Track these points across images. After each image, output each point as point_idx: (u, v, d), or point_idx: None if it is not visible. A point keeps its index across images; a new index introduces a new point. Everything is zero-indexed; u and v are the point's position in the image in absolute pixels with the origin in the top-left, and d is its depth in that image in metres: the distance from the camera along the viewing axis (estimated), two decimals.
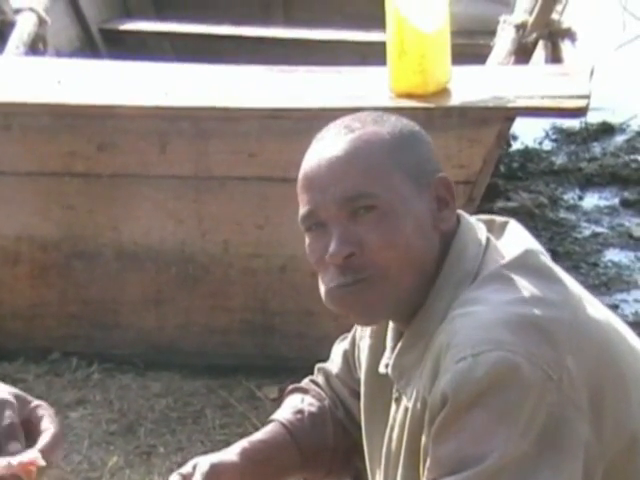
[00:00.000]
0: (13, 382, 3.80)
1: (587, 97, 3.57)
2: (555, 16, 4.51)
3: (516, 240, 2.01)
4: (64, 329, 3.95)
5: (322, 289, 1.96)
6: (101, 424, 3.67)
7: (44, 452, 2.01)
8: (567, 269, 2.02)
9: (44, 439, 2.04)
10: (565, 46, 4.48)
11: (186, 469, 2.10)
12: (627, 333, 2.02)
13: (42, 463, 1.99)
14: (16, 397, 2.08)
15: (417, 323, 1.96)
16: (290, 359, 3.46)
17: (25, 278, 3.91)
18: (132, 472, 3.41)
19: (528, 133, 5.71)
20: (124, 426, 3.66)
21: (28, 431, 2.05)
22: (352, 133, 1.95)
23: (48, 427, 2.06)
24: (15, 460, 1.97)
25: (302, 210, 1.95)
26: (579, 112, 3.66)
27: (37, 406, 2.10)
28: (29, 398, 2.11)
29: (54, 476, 2.15)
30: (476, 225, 2.02)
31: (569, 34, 4.52)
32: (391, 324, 2.04)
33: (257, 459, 2.17)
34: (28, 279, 3.91)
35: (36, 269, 3.90)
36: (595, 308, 1.98)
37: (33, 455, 1.98)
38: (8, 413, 2.04)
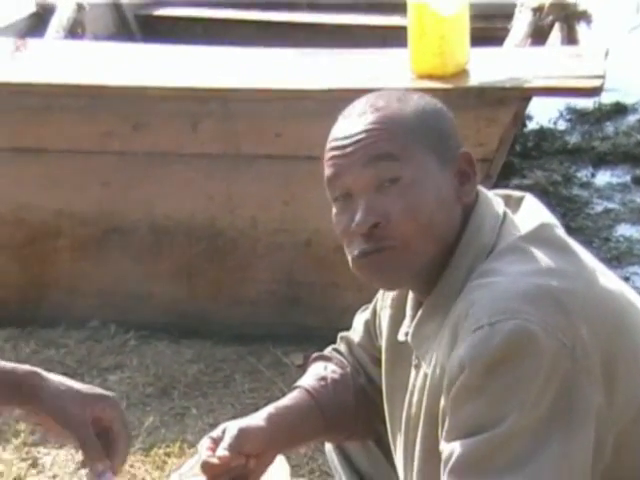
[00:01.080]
0: (56, 347, 3.88)
1: (602, 77, 3.53)
2: None
3: (532, 214, 2.00)
4: (102, 299, 3.97)
5: (349, 257, 1.96)
6: (138, 387, 3.69)
7: (118, 464, 2.09)
8: (580, 243, 2.01)
9: (118, 455, 2.08)
10: (580, 28, 4.46)
11: (216, 433, 2.12)
12: (639, 304, 2.01)
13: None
14: (86, 396, 2.11)
15: (436, 293, 1.96)
16: (314, 328, 3.46)
17: (66, 251, 3.93)
18: (167, 431, 3.42)
19: (543, 113, 5.68)
20: (159, 389, 3.68)
21: (97, 428, 2.08)
22: (377, 111, 1.94)
23: (119, 434, 2.08)
24: None
25: (329, 181, 1.95)
26: (594, 92, 3.63)
27: (106, 406, 2.12)
28: (99, 395, 2.12)
29: None
30: (494, 199, 2.02)
31: (584, 17, 4.50)
32: (411, 294, 2.04)
33: (282, 424, 2.18)
34: (68, 252, 3.93)
35: (76, 243, 3.92)
36: (608, 279, 1.98)
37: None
38: (85, 432, 2.07)
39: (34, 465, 3.28)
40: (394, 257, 1.91)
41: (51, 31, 4.59)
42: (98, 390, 2.16)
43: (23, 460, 3.29)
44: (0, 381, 2.13)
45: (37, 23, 4.68)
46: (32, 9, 4.75)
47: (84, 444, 2.09)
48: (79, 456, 2.25)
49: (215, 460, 2.06)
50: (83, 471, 2.13)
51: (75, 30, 4.71)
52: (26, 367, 2.15)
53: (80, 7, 4.79)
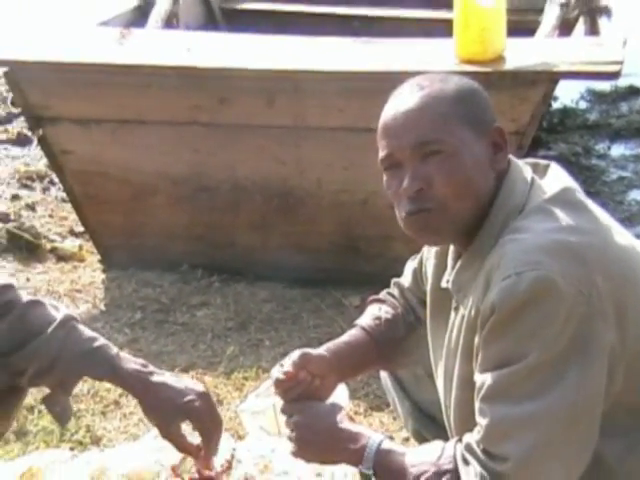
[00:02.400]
0: (153, 287, 3.92)
1: (620, 63, 3.49)
2: None
3: (556, 179, 1.99)
4: (191, 246, 3.99)
5: (398, 216, 1.96)
6: (220, 321, 3.71)
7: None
8: (597, 206, 1.99)
9: (210, 447, 2.14)
10: (602, 21, 4.41)
11: (285, 361, 2.13)
12: None
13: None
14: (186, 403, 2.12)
15: (473, 247, 1.96)
16: (369, 274, 3.45)
17: (161, 206, 3.94)
18: (245, 359, 3.43)
19: (566, 94, 5.62)
20: (238, 323, 3.69)
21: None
22: (422, 90, 1.94)
23: (210, 428, 2.13)
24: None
25: (382, 153, 1.96)
26: (613, 75, 3.56)
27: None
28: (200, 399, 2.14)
29: None
30: (523, 167, 2.00)
31: (605, 11, 4.44)
32: (452, 247, 2.05)
33: (341, 354, 2.21)
34: (164, 207, 3.94)
35: (170, 199, 3.93)
36: (623, 236, 1.97)
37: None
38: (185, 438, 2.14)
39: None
40: (435, 217, 1.91)
41: (151, 22, 4.61)
42: (195, 388, 2.15)
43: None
44: (104, 369, 2.13)
45: (139, 15, 4.69)
46: (135, 3, 4.76)
47: (178, 449, 2.14)
48: None
49: (282, 376, 2.09)
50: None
51: (171, 21, 4.73)
52: (135, 365, 2.14)
53: (175, 1, 4.81)
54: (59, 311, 2.17)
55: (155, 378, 2.12)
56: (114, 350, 2.14)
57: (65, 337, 2.12)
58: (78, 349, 2.12)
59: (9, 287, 2.20)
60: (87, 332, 2.16)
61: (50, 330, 2.12)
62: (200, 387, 2.16)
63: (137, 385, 2.11)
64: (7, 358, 2.12)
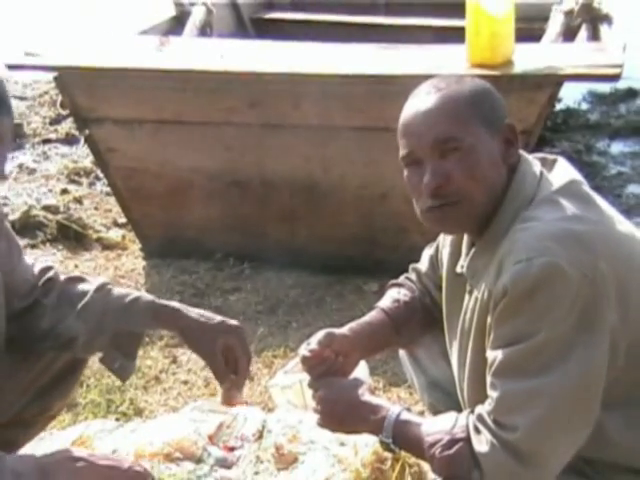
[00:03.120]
0: (189, 273, 3.93)
1: (620, 66, 3.46)
2: (596, 4, 4.41)
3: (563, 172, 1.98)
4: (224, 237, 3.99)
5: (417, 211, 1.96)
6: (251, 305, 3.72)
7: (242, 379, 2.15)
8: None
9: (241, 375, 2.15)
10: (603, 28, 4.39)
11: (312, 340, 2.15)
12: None
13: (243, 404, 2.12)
14: (217, 325, 2.14)
15: (487, 235, 1.95)
16: (388, 262, 3.44)
17: (197, 199, 3.95)
18: (274, 339, 3.44)
19: (569, 96, 5.61)
20: (267, 307, 3.70)
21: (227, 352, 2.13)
22: (440, 91, 1.92)
23: (241, 360, 2.15)
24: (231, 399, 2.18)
25: (402, 151, 1.95)
26: (613, 78, 3.53)
27: (234, 341, 2.15)
28: (228, 328, 2.17)
29: None
30: (533, 161, 2.00)
31: (606, 18, 4.44)
32: (466, 236, 2.03)
33: (363, 333, 2.21)
34: (199, 200, 3.94)
35: (205, 193, 3.94)
36: (624, 226, 1.96)
37: (242, 401, 2.11)
38: (220, 358, 2.15)
39: (174, 361, 3.32)
40: (454, 211, 1.91)
41: (187, 30, 4.62)
42: (229, 322, 2.18)
43: (165, 357, 3.33)
44: (146, 313, 2.16)
45: (176, 24, 4.70)
46: (172, 13, 4.77)
47: (214, 369, 2.14)
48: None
49: (309, 354, 2.10)
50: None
51: (205, 30, 4.73)
52: (172, 303, 2.17)
53: (209, 12, 4.81)
54: (95, 280, 2.21)
55: (193, 312, 2.15)
56: (149, 297, 2.17)
57: (104, 299, 2.15)
58: (118, 305, 2.14)
59: (48, 269, 2.24)
60: (122, 290, 2.20)
61: (89, 296, 2.15)
62: (234, 321, 2.19)
63: (178, 321, 2.14)
64: (56, 329, 2.14)
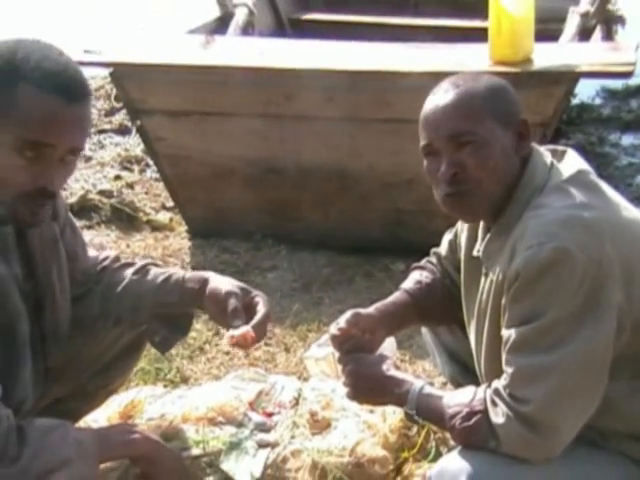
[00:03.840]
0: (230, 253, 3.94)
1: (633, 64, 3.44)
2: (610, 7, 4.36)
3: (572, 163, 1.97)
4: (263, 219, 3.99)
5: (437, 197, 1.96)
6: (287, 283, 3.72)
7: (255, 327, 2.04)
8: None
9: (257, 318, 2.07)
10: (617, 28, 4.36)
11: (340, 319, 2.16)
12: None
13: (252, 335, 2.03)
14: (241, 289, 2.12)
15: (501, 221, 1.95)
16: (413, 244, 3.41)
17: (237, 184, 3.94)
18: (308, 314, 3.44)
19: (584, 92, 5.54)
20: (302, 285, 3.70)
21: (249, 313, 2.08)
22: (457, 88, 1.93)
23: (260, 309, 2.10)
24: (236, 332, 2.02)
25: (422, 142, 1.96)
26: (626, 75, 3.50)
27: (256, 295, 2.13)
28: (251, 289, 2.14)
29: None
30: (544, 153, 1.99)
31: (620, 20, 4.41)
32: (482, 222, 2.03)
33: (387, 313, 2.21)
34: (239, 185, 3.94)
35: (244, 179, 3.93)
36: (630, 212, 1.95)
37: (246, 329, 2.03)
38: (233, 301, 2.08)
39: (217, 334, 3.32)
40: (468, 198, 1.91)
41: (230, 30, 4.61)
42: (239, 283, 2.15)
43: (209, 330, 3.34)
44: (173, 291, 2.16)
45: (220, 24, 4.69)
46: (217, 14, 4.77)
47: (231, 312, 2.06)
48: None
49: (337, 332, 2.10)
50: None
51: (247, 29, 4.72)
52: (196, 281, 2.15)
53: (251, 13, 4.80)
54: (139, 263, 2.23)
55: (211, 282, 2.12)
56: (180, 274, 2.16)
57: (140, 280, 2.17)
58: (152, 284, 2.15)
59: (105, 259, 2.26)
60: (159, 270, 2.20)
61: (128, 279, 2.18)
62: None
63: (198, 294, 2.12)
64: (105, 312, 2.17)
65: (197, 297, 2.12)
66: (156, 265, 2.25)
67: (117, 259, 2.27)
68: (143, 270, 2.20)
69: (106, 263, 2.24)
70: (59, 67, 1.80)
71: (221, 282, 2.13)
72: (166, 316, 2.18)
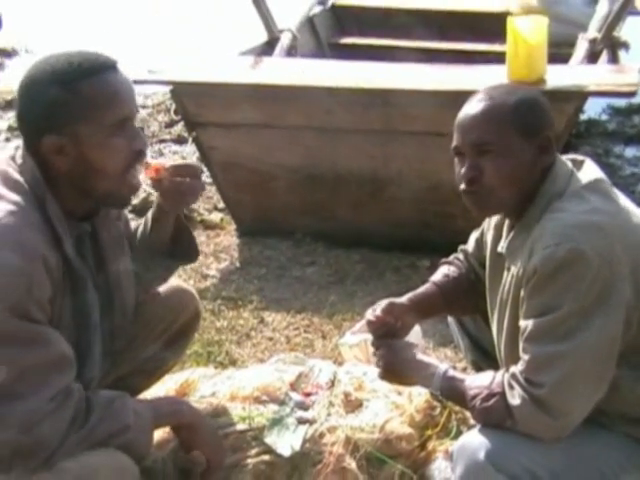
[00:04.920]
0: (273, 249, 3.92)
1: (636, 85, 3.39)
2: (615, 34, 4.31)
3: (590, 172, 1.95)
4: (303, 220, 3.96)
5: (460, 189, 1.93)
6: (324, 276, 3.69)
7: (175, 166, 2.06)
8: None
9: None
10: (621, 53, 4.31)
11: (377, 307, 2.14)
12: None
13: (166, 166, 2.03)
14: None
15: (523, 222, 1.93)
16: (437, 243, 3.37)
17: (280, 189, 3.92)
18: (342, 306, 3.41)
19: (591, 109, 5.46)
20: (337, 278, 3.67)
21: None
22: (490, 99, 1.91)
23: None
24: (152, 162, 2.04)
25: (453, 143, 1.95)
26: (630, 94, 3.46)
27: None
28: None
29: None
30: (566, 162, 1.97)
31: (624, 45, 4.37)
32: (507, 221, 2.01)
33: (417, 303, 2.20)
34: (282, 189, 3.92)
35: (287, 184, 3.90)
36: (638, 218, 1.92)
37: (163, 161, 2.01)
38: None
39: (261, 322, 3.31)
40: (481, 199, 1.90)
41: (276, 52, 4.60)
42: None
43: (254, 318, 3.33)
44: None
45: (268, 48, 4.68)
46: (265, 39, 4.76)
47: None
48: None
49: (373, 318, 2.09)
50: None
51: (291, 51, 4.71)
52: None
53: (294, 37, 4.79)
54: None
55: None
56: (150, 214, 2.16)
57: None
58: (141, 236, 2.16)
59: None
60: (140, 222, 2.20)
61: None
62: None
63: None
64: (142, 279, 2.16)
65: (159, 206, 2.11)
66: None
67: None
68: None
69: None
70: (85, 55, 1.80)
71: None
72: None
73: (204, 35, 6.84)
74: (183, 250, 2.20)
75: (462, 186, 1.91)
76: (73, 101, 1.75)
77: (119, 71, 1.82)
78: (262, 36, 4.76)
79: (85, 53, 1.81)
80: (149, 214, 2.17)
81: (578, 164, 1.97)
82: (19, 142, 1.87)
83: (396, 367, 2.04)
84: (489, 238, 2.11)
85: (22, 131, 1.84)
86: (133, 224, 2.22)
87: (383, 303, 2.13)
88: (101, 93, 1.77)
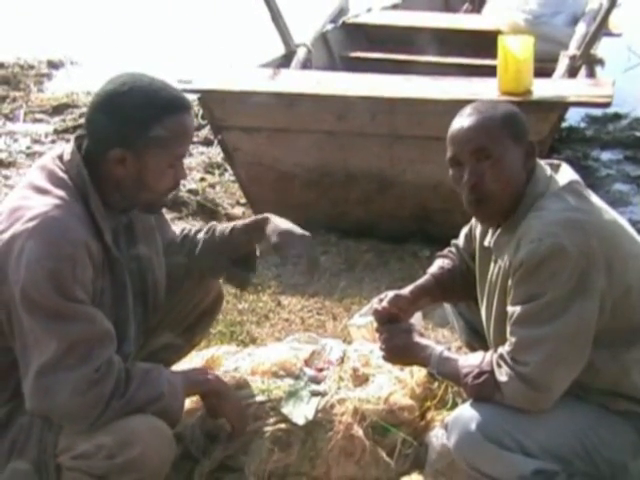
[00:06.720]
0: None
1: (611, 97, 3.41)
2: (592, 51, 4.32)
3: (566, 174, 1.95)
4: (317, 214, 3.91)
5: (463, 200, 1.93)
6: (335, 264, 3.68)
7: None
8: None
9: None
10: (598, 69, 4.32)
11: (380, 297, 2.15)
12: (628, 229, 1.95)
13: None
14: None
15: (510, 220, 1.92)
16: (437, 235, 3.36)
17: (297, 188, 3.90)
18: (352, 290, 3.41)
19: (572, 117, 5.44)
20: (347, 266, 3.67)
21: None
22: (480, 113, 1.91)
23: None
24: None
25: (449, 154, 1.94)
26: (606, 105, 3.49)
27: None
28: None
29: None
30: (544, 166, 1.97)
31: (600, 62, 4.39)
32: None
33: (417, 293, 2.21)
34: (299, 188, 3.90)
35: (304, 182, 3.89)
36: (610, 214, 1.94)
37: None
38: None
39: (279, 304, 3.32)
40: (486, 204, 1.89)
41: (293, 64, 4.59)
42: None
43: (273, 301, 3.34)
44: (240, 236, 2.17)
45: (285, 60, 4.66)
46: (282, 52, 4.76)
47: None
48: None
49: (380, 308, 2.10)
50: None
51: (306, 64, 4.70)
52: (261, 216, 2.20)
53: (309, 51, 4.78)
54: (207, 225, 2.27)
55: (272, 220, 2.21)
56: (240, 222, 2.21)
57: (212, 235, 2.20)
58: (222, 236, 2.19)
59: (184, 229, 2.28)
60: (223, 225, 2.23)
61: (202, 238, 2.21)
62: None
63: (261, 224, 2.20)
64: (189, 269, 2.18)
65: (261, 227, 2.14)
66: (219, 224, 2.27)
67: (191, 230, 2.28)
68: (211, 229, 2.22)
69: (186, 232, 2.26)
70: (171, 90, 1.87)
71: (279, 221, 2.15)
72: (237, 260, 2.19)
73: (226, 48, 6.83)
74: (238, 273, 2.22)
75: (466, 197, 1.89)
76: (155, 130, 1.80)
77: (192, 114, 1.89)
78: (280, 50, 4.76)
79: (173, 89, 1.89)
80: (238, 227, 2.18)
81: (555, 167, 1.98)
82: (67, 143, 1.89)
83: (397, 350, 2.05)
84: (477, 233, 2.11)
85: (91, 135, 1.85)
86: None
87: (390, 295, 2.14)
88: (179, 131, 1.84)
